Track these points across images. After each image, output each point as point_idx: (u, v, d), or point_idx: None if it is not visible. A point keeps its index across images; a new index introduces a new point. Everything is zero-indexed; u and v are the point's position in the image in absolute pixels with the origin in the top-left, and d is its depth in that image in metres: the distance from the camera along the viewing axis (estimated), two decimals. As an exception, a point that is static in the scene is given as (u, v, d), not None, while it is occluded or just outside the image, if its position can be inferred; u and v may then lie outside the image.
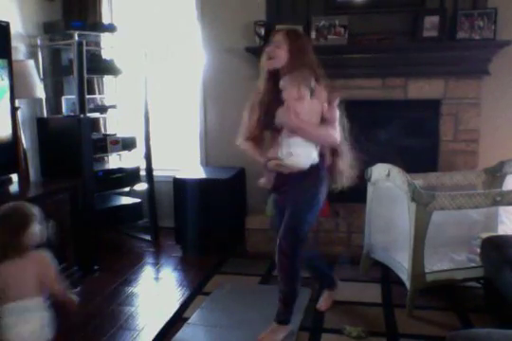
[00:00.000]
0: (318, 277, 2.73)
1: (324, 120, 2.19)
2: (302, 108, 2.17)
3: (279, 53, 2.21)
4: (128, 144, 3.78)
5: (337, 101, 2.20)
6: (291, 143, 2.17)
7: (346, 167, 2.32)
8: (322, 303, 2.68)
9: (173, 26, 4.00)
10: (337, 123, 2.22)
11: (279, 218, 2.37)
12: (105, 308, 2.74)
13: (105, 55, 3.86)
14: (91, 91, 3.75)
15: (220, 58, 3.81)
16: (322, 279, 2.73)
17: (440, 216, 2.55)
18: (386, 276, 3.06)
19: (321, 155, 2.25)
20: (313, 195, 2.24)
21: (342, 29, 3.44)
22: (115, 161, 4.02)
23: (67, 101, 3.72)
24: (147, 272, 3.32)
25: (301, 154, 2.17)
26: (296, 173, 2.19)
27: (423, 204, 2.45)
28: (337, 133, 2.22)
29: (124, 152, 3.88)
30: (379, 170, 2.90)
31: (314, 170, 2.21)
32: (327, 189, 2.32)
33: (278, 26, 2.33)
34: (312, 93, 2.18)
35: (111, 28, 3.66)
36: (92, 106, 3.71)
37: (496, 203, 2.54)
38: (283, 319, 2.36)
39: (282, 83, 2.19)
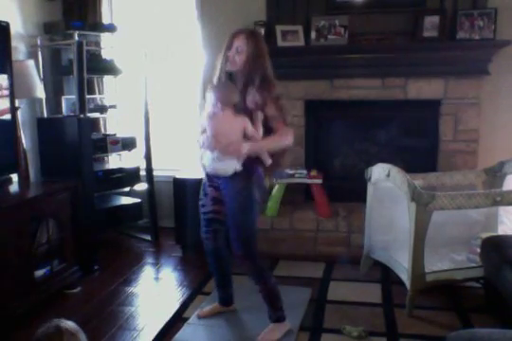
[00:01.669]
0: (220, 281, 2.60)
1: (249, 137, 2.18)
2: (220, 126, 2.20)
3: (239, 58, 2.23)
4: (128, 144, 3.78)
5: (260, 120, 2.19)
6: (210, 157, 2.24)
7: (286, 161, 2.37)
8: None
9: (173, 26, 4.00)
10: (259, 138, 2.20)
11: (207, 201, 2.48)
12: (105, 308, 2.74)
13: (105, 55, 3.85)
14: (91, 91, 3.75)
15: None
16: (224, 285, 2.61)
17: (440, 216, 2.55)
18: (386, 276, 3.06)
19: (253, 161, 2.23)
20: (247, 196, 2.25)
21: (342, 29, 3.44)
22: (115, 161, 4.01)
23: (67, 101, 3.72)
24: (147, 272, 3.32)
25: (221, 168, 2.22)
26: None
27: (423, 204, 2.45)
28: (285, 137, 2.23)
29: (124, 152, 3.88)
30: (379, 170, 2.90)
31: (243, 175, 2.23)
32: (263, 190, 2.35)
33: (238, 29, 2.34)
34: (237, 108, 2.19)
35: (111, 28, 3.66)
36: (92, 106, 3.71)
37: (496, 203, 2.54)
38: (276, 317, 2.38)
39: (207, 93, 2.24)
